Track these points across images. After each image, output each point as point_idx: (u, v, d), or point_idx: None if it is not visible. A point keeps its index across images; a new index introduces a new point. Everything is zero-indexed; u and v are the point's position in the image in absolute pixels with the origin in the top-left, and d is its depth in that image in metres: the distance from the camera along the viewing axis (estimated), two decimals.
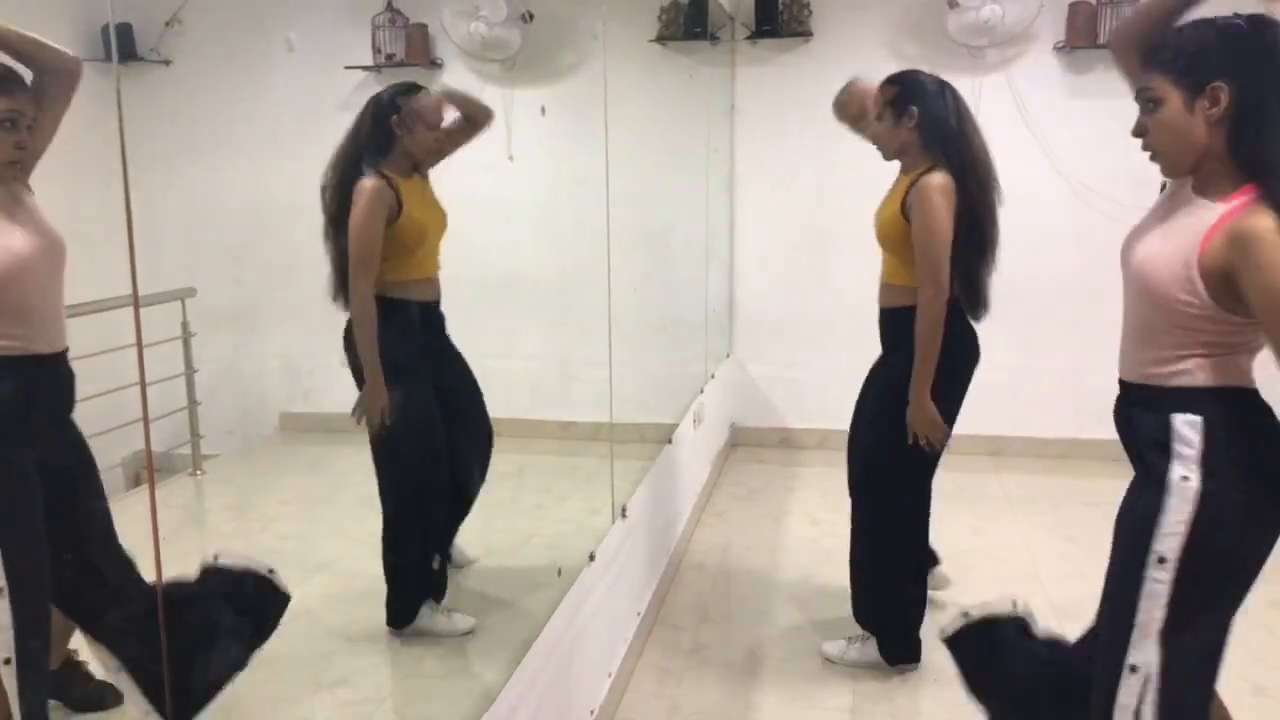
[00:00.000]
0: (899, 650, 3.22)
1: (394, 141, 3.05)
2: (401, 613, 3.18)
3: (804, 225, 5.55)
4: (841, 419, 5.53)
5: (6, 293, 2.25)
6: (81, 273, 5.59)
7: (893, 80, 3.02)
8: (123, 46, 5.57)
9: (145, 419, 2.24)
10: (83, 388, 4.41)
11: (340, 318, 3.10)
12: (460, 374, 3.46)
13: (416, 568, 3.19)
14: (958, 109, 2.95)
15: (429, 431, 3.19)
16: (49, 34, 5.78)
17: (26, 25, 5.58)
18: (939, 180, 2.86)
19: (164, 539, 4.25)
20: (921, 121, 2.93)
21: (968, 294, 3.01)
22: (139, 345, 1.79)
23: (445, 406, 3.30)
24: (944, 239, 2.85)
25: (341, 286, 3.07)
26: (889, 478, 3.16)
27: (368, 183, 2.94)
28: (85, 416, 4.51)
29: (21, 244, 2.27)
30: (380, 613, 3.34)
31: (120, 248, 5.96)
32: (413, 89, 3.13)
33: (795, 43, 5.39)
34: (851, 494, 3.32)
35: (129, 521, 4.44)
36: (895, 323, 3.06)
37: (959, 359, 3.02)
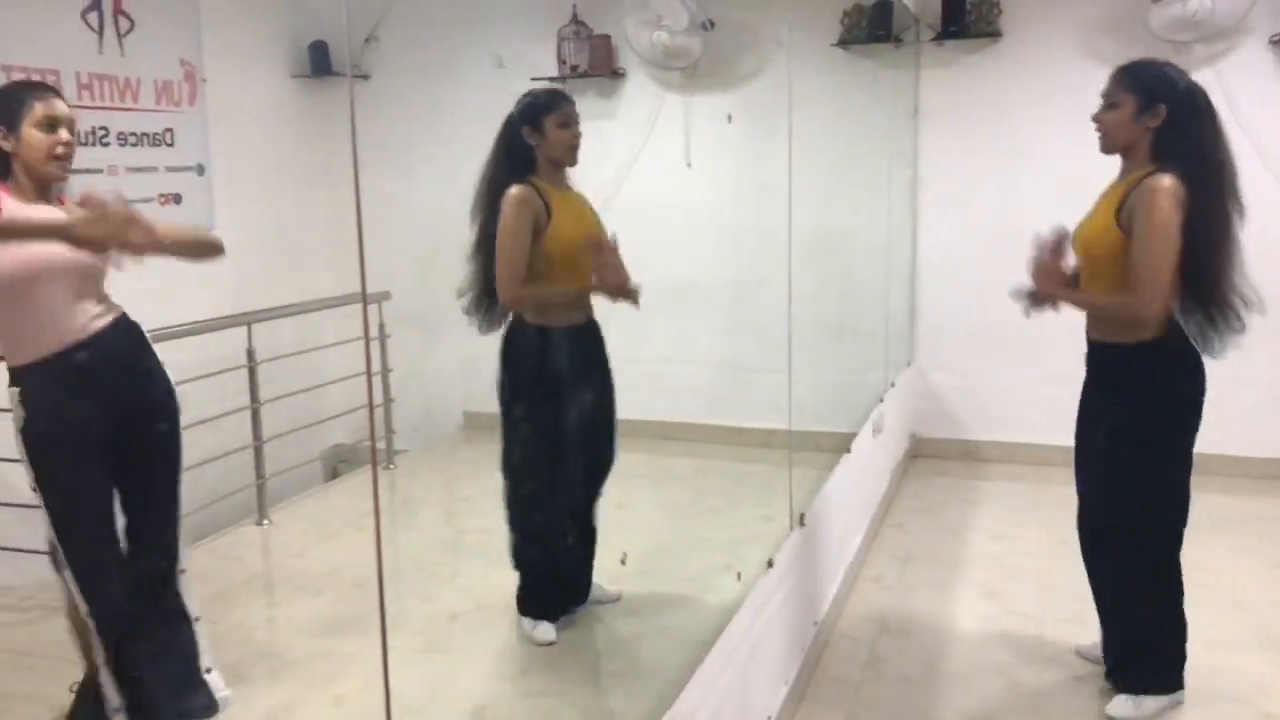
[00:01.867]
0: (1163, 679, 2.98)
1: (533, 152, 3.05)
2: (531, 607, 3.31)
3: (990, 230, 5.38)
4: (1028, 431, 5.39)
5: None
6: (283, 275, 5.96)
7: (1143, 68, 2.73)
8: (320, 62, 5.92)
9: (370, 406, 2.37)
10: (281, 385, 4.71)
11: None
12: (597, 401, 3.30)
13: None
14: (1207, 114, 2.66)
15: (544, 468, 3.19)
16: (262, 52, 6.16)
17: (242, 46, 5.97)
18: (1168, 183, 2.58)
19: (359, 529, 4.48)
20: (1167, 123, 2.65)
21: (1202, 327, 2.72)
22: (366, 339, 1.91)
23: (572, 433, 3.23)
24: (1167, 245, 2.57)
25: (481, 303, 3.14)
26: (1141, 533, 2.88)
27: (514, 190, 2.97)
28: (283, 412, 4.82)
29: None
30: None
31: (318, 252, 6.31)
32: (542, 97, 3.09)
33: (983, 43, 5.23)
34: (1094, 550, 3.01)
35: (328, 511, 4.71)
36: (1113, 360, 2.82)
37: (1188, 400, 2.76)
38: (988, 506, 4.84)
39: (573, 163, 3.13)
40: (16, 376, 2.44)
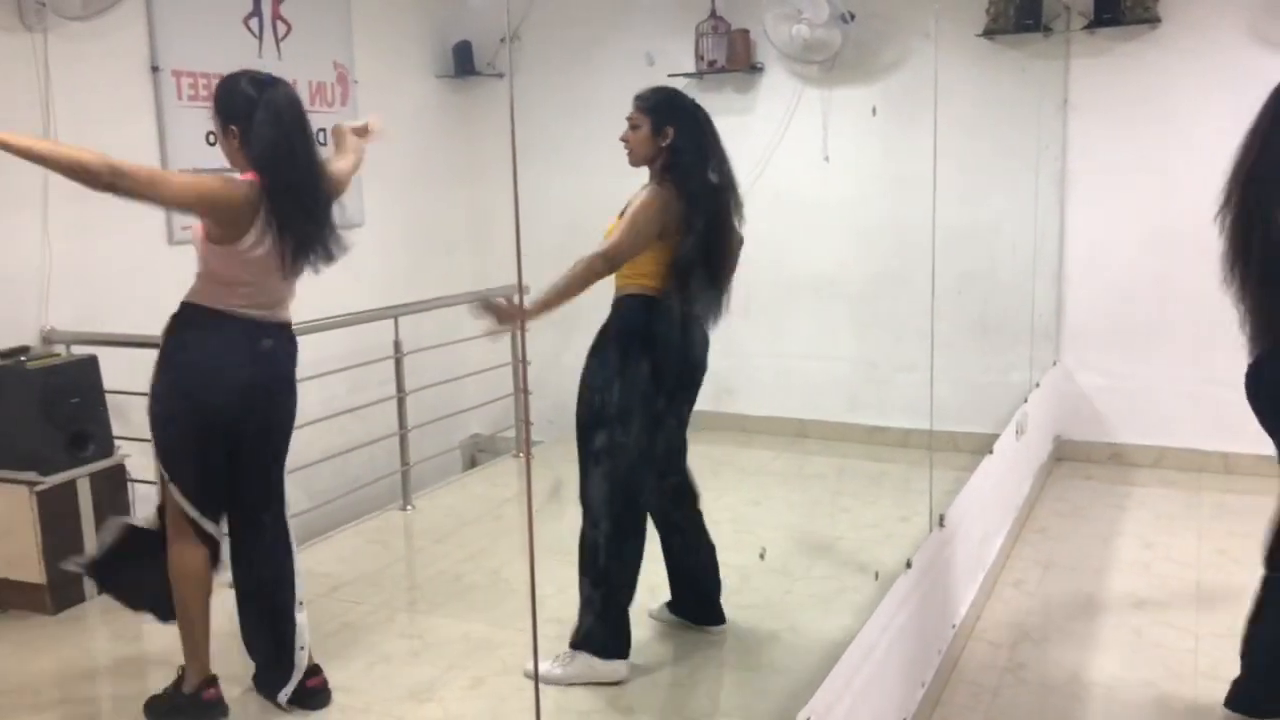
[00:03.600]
0: None
1: None
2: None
3: (1143, 226, 5.16)
4: (1182, 436, 5.16)
5: None
6: (426, 269, 6.12)
7: None
8: (464, 62, 6.06)
9: (525, 392, 2.42)
10: (421, 377, 4.85)
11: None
12: None
13: None
14: None
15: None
16: (409, 54, 6.32)
17: (390, 48, 6.14)
18: None
19: (496, 517, 4.57)
20: None
21: None
22: (522, 330, 1.94)
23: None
24: None
25: None
26: None
27: None
28: (425, 403, 4.96)
29: None
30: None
31: (459, 247, 6.47)
32: None
33: (1140, 30, 5.01)
34: None
35: (467, 498, 4.83)
36: None
37: None
38: (1137, 512, 4.65)
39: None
40: None
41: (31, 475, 3.52)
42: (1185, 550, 4.16)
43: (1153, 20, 4.95)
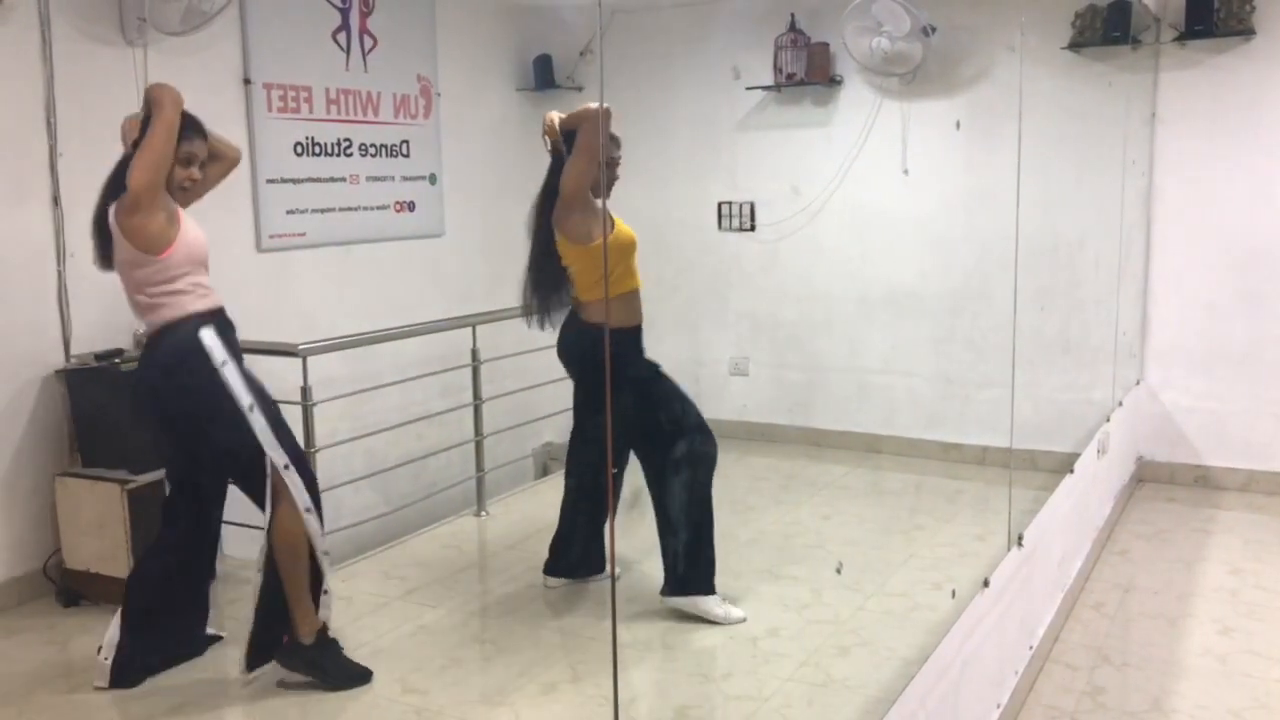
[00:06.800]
0: None
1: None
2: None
3: (1233, 243, 5.02)
4: (1273, 460, 4.99)
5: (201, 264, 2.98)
6: (503, 279, 6.17)
7: None
8: (544, 76, 6.13)
9: (610, 406, 2.42)
10: (498, 385, 4.90)
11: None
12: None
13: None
14: None
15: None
16: (491, 67, 6.41)
17: (473, 61, 6.25)
18: None
19: None
20: None
21: None
22: (608, 337, 1.96)
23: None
24: None
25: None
26: None
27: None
28: (500, 411, 5.01)
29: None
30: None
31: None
32: None
33: (1233, 42, 4.89)
34: None
35: (540, 505, 4.87)
36: None
37: None
38: (1223, 537, 4.52)
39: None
40: None
41: (123, 474, 3.64)
42: (1276, 578, 4.03)
43: (1247, 32, 4.83)
